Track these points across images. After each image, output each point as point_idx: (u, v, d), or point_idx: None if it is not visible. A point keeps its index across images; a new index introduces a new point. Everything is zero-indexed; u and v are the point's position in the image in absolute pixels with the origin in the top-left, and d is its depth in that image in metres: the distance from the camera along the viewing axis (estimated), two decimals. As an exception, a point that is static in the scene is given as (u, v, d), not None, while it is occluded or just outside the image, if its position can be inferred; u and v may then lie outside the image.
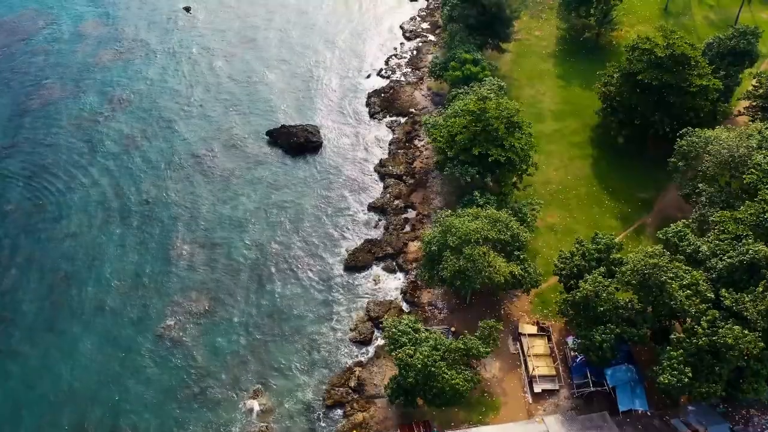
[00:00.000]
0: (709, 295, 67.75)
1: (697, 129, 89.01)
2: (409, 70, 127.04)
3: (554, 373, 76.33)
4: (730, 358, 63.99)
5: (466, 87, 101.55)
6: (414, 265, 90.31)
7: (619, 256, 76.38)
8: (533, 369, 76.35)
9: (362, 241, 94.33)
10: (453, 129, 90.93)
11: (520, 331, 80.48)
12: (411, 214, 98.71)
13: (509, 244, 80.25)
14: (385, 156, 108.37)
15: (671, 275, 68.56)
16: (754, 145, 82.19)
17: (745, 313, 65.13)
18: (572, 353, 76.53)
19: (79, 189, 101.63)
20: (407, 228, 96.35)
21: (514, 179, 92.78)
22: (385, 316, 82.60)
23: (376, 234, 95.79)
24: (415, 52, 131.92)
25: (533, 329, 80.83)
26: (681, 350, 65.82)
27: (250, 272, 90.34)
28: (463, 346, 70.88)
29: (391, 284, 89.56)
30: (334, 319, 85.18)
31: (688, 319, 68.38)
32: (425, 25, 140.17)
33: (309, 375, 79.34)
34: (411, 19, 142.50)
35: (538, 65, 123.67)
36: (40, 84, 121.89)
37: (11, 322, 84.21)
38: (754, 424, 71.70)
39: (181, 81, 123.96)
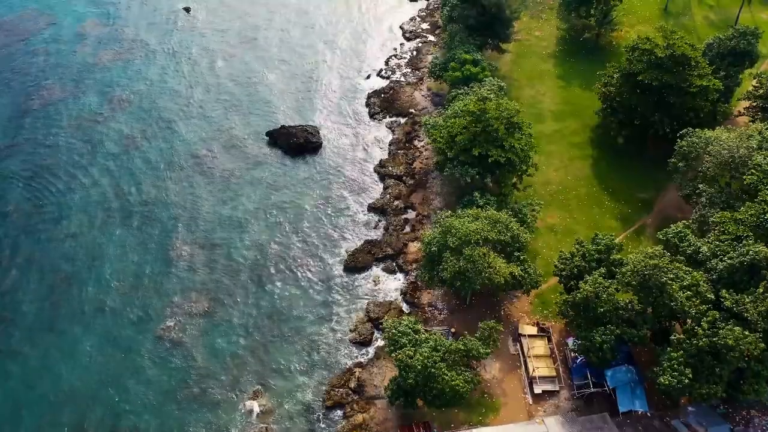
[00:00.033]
0: (709, 296, 67.73)
1: (697, 129, 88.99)
2: (409, 70, 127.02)
3: (554, 374, 76.27)
4: (730, 359, 63.92)
5: (466, 87, 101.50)
6: (414, 265, 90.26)
7: (619, 256, 76.34)
8: (533, 370, 76.30)
9: (362, 241, 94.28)
10: (453, 130, 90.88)
11: (520, 332, 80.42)
12: (411, 214, 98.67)
13: (509, 244, 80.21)
14: (385, 156, 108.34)
15: (671, 276, 68.51)
16: (755, 146, 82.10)
17: (746, 314, 65.07)
18: (572, 354, 76.46)
19: (79, 189, 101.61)
20: (407, 229, 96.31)
21: (514, 180, 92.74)
22: (385, 317, 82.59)
23: (375, 235, 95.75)
24: (414, 53, 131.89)
25: (533, 330, 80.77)
26: (681, 351, 65.77)
27: (250, 273, 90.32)
28: (463, 347, 70.79)
29: (390, 285, 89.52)
30: (333, 319, 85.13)
31: (689, 320, 68.42)
32: (425, 26, 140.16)
33: (309, 376, 79.30)
34: (411, 19, 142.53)
35: (538, 66, 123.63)
36: (40, 84, 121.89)
37: (11, 322, 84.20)
38: (755, 425, 71.60)
39: (181, 81, 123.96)
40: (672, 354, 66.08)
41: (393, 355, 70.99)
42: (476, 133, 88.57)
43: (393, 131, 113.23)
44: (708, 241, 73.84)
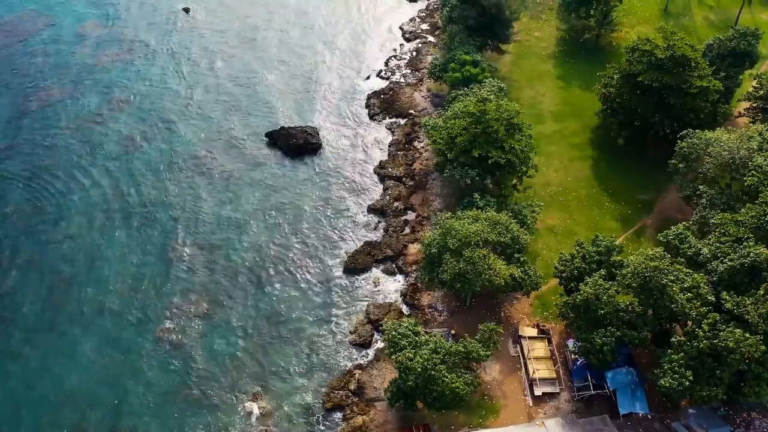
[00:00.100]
0: (710, 298, 67.65)
1: (697, 131, 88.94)
2: (409, 71, 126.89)
3: (554, 376, 76.15)
4: (731, 362, 63.82)
5: (465, 88, 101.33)
6: (414, 267, 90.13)
7: (619, 258, 76.19)
8: (533, 372, 76.17)
9: (362, 243, 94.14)
10: (453, 131, 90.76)
11: (520, 333, 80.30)
12: (411, 216, 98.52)
13: (509, 246, 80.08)
14: (385, 158, 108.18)
15: (672, 278, 68.39)
16: (755, 147, 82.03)
17: (747, 316, 64.96)
18: (573, 356, 76.35)
19: (78, 190, 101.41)
20: (407, 230, 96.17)
21: (514, 181, 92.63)
22: (385, 319, 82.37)
23: (375, 236, 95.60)
24: (414, 54, 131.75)
25: (533, 332, 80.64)
26: (682, 353, 65.66)
27: (250, 274, 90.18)
28: (463, 350, 70.61)
29: (390, 286, 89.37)
30: (333, 321, 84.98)
31: (689, 322, 68.40)
32: (425, 26, 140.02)
33: (308, 378, 79.16)
34: (410, 20, 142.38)
35: (538, 66, 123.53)
36: (39, 85, 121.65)
37: (11, 322, 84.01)
38: (756, 428, 71.52)
39: (181, 82, 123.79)
40: (672, 356, 65.96)
41: (393, 357, 70.81)
42: (476, 135, 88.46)
43: (393, 132, 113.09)
44: (708, 243, 73.74)
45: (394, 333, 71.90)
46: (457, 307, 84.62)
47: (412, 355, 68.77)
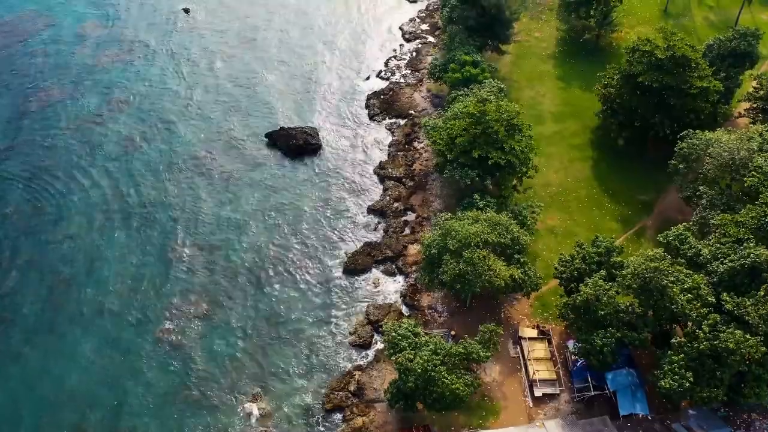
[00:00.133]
0: (710, 299, 67.61)
1: (697, 131, 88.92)
2: (409, 71, 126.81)
3: (555, 377, 76.10)
4: (731, 363, 63.78)
5: (465, 89, 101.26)
6: (414, 268, 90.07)
7: (619, 259, 76.14)
8: (534, 373, 76.10)
9: (361, 243, 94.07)
10: (453, 131, 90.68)
11: (520, 334, 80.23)
12: (410, 216, 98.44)
13: (509, 247, 80.00)
14: (385, 158, 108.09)
15: (672, 279, 68.36)
16: (755, 148, 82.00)
17: (747, 318, 64.93)
18: (573, 357, 76.31)
19: (78, 191, 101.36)
20: (407, 231, 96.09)
21: (514, 182, 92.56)
22: (385, 320, 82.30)
23: (375, 237, 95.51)
24: (414, 54, 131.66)
25: (533, 333, 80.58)
26: (682, 354, 65.67)
27: (249, 275, 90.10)
28: (463, 351, 70.52)
29: (390, 287, 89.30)
30: (333, 322, 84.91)
31: (689, 323, 68.40)
32: (425, 27, 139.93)
33: (308, 379, 79.09)
34: (410, 20, 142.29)
35: (538, 67, 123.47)
36: (39, 85, 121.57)
37: (11, 323, 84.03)
38: (756, 429, 71.51)
39: (181, 82, 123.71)
40: (673, 357, 65.95)
41: (393, 358, 70.72)
42: (476, 135, 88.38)
43: (392, 133, 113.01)
44: (709, 244, 73.72)
45: (393, 334, 71.84)
46: (457, 308, 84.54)
47: (412, 357, 68.70)
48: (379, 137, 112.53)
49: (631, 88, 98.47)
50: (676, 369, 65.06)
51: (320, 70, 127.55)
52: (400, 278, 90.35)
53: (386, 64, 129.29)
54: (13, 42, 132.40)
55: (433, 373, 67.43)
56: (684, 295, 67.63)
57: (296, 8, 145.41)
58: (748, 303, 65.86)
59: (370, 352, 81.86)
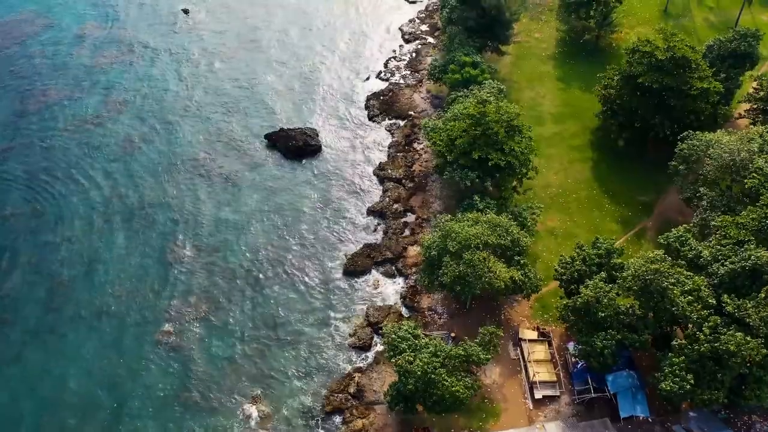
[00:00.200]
0: (710, 301, 67.42)
1: (697, 132, 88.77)
2: (408, 72, 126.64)
3: (555, 379, 75.89)
4: (732, 365, 63.58)
5: (465, 90, 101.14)
6: (413, 269, 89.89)
7: (619, 261, 75.98)
8: (534, 375, 75.92)
9: (361, 245, 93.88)
10: (452, 133, 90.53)
11: (520, 336, 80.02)
12: (410, 218, 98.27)
13: (509, 248, 79.82)
14: (384, 159, 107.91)
15: (673, 281, 68.17)
16: (756, 149, 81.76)
17: (748, 320, 64.75)
18: (573, 359, 76.12)
19: (77, 192, 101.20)
20: (407, 232, 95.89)
21: (514, 183, 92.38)
22: (385, 322, 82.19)
23: (375, 238, 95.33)
24: (414, 55, 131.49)
25: (534, 334, 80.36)
26: (683, 357, 65.47)
27: (248, 277, 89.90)
28: (463, 353, 70.36)
29: (390, 289, 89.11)
30: (332, 324, 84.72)
31: (690, 326, 68.10)
32: (424, 28, 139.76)
33: (308, 381, 78.91)
34: (410, 21, 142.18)
35: (538, 68, 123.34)
36: (37, 86, 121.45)
37: (11, 324, 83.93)
38: (756, 431, 71.31)
39: (180, 83, 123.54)
40: (673, 359, 65.77)
41: (393, 360, 70.55)
42: (476, 137, 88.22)
43: (392, 134, 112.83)
44: (709, 245, 73.52)
45: (393, 336, 71.69)
46: (457, 310, 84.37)
47: (411, 359, 68.56)
48: (378, 138, 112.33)
49: (631, 89, 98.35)
50: (677, 371, 64.90)
51: (320, 70, 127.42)
52: (399, 280, 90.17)
53: (386, 65, 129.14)
54: (12, 42, 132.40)
55: (433, 376, 67.31)
56: (684, 297, 67.45)
57: (296, 9, 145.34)
58: (749, 305, 65.67)
59: (370, 354, 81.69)
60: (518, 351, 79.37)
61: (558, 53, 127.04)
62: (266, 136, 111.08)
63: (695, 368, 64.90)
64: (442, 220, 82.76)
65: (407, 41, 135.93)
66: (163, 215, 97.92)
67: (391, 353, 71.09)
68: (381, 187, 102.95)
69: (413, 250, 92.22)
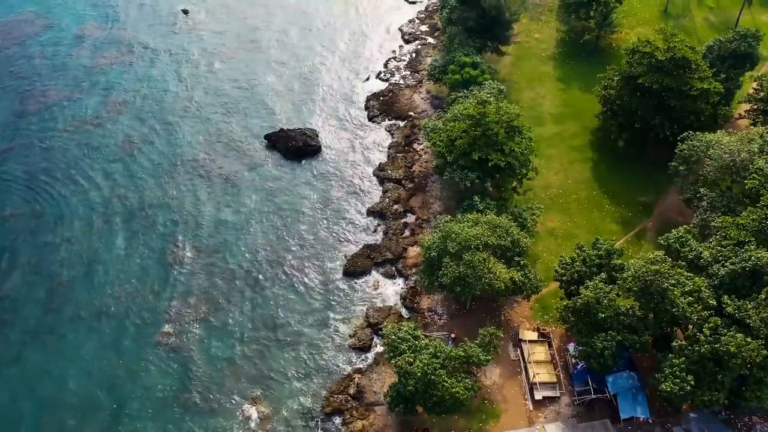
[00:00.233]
0: (711, 302, 67.30)
1: (697, 133, 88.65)
2: (408, 73, 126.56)
3: (555, 380, 75.79)
4: (732, 366, 63.50)
5: (465, 90, 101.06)
6: (413, 270, 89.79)
7: (620, 262, 75.91)
8: (534, 376, 75.81)
9: (361, 246, 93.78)
10: (452, 133, 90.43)
11: (520, 337, 79.89)
12: (410, 218, 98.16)
13: (509, 249, 79.73)
14: (384, 160, 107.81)
15: (673, 282, 68.07)
16: (756, 150, 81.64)
17: (748, 321, 64.61)
18: (573, 360, 75.97)
19: (77, 193, 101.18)
20: (406, 233, 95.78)
21: (514, 184, 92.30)
22: (385, 323, 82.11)
23: (375, 239, 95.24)
24: (414, 55, 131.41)
25: (534, 335, 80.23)
26: (683, 358, 65.35)
27: (248, 278, 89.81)
28: (463, 354, 70.29)
29: (390, 290, 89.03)
30: (332, 325, 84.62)
31: (690, 327, 67.98)
32: (424, 28, 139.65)
33: (307, 382, 78.81)
34: (410, 21, 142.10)
35: (538, 68, 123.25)
36: (37, 87, 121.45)
37: (11, 325, 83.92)
38: (757, 432, 71.36)
39: (180, 84, 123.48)
40: (674, 360, 65.66)
41: (393, 361, 70.50)
42: (476, 137, 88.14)
43: (392, 134, 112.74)
44: (709, 246, 73.40)
45: (393, 337, 71.61)
46: (457, 311, 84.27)
47: (411, 360, 68.49)
48: (378, 139, 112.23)
49: (631, 89, 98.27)
50: (677, 372, 64.79)
51: (319, 71, 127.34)
52: (399, 281, 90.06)
53: (386, 65, 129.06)
54: (12, 43, 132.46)
55: (433, 377, 67.26)
56: (685, 298, 67.33)
57: (296, 9, 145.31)
58: (750, 306, 65.56)
59: (370, 355, 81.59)
60: (518, 352, 79.25)
61: (558, 53, 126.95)
62: (266, 137, 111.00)
63: (696, 369, 64.81)
64: (442, 221, 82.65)
65: (407, 42, 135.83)
66: (162, 216, 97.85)
67: (391, 354, 71.02)
68: (381, 188, 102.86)
69: (413, 251, 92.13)
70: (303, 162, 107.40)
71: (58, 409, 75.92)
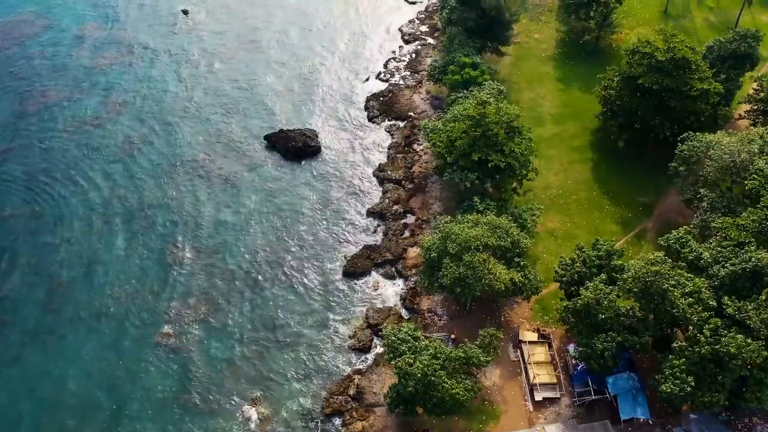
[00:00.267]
0: (711, 303, 67.27)
1: (698, 133, 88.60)
2: (408, 73, 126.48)
3: (555, 381, 75.74)
4: (733, 367, 63.46)
5: (465, 91, 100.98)
6: (413, 271, 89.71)
7: (620, 262, 75.85)
8: (534, 377, 75.74)
9: (361, 246, 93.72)
10: (452, 134, 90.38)
11: (520, 338, 79.83)
12: (410, 219, 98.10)
13: (509, 250, 79.67)
14: (384, 160, 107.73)
15: (673, 283, 68.05)
16: (756, 150, 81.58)
17: (748, 322, 64.56)
18: (573, 361, 75.89)
19: (77, 194, 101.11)
20: (406, 233, 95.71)
21: (514, 184, 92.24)
22: (385, 323, 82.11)
23: (374, 239, 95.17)
24: (413, 55, 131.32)
25: (534, 336, 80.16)
26: (683, 359, 65.32)
27: (248, 279, 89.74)
28: (463, 355, 70.28)
29: (390, 291, 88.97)
30: (332, 326, 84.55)
31: (691, 328, 67.94)
32: (424, 28, 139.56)
33: (307, 383, 78.75)
34: (410, 21, 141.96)
35: (538, 68, 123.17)
36: (37, 87, 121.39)
37: (11, 325, 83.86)
38: (757, 433, 71.29)
39: (180, 84, 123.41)
40: (674, 361, 65.63)
41: (393, 362, 70.51)
42: (476, 138, 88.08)
43: (392, 135, 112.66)
44: (710, 247, 73.37)
45: (393, 338, 71.59)
46: (457, 312, 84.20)
47: (411, 361, 68.47)
48: (378, 139, 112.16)
49: (631, 90, 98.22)
50: (678, 373, 64.76)
51: (319, 71, 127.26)
52: (399, 281, 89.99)
53: (385, 65, 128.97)
54: (12, 43, 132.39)
55: (433, 378, 67.24)
56: (685, 299, 67.29)
57: (295, 9, 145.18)
58: (750, 307, 65.51)
59: (370, 356, 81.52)
60: (518, 353, 79.18)
61: (558, 54, 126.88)
62: (266, 137, 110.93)
63: (696, 370, 64.76)
64: (442, 222, 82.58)
65: (407, 42, 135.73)
66: (162, 216, 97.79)
67: (391, 355, 70.99)
68: (381, 189, 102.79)
69: (413, 252, 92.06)
70: (303, 162, 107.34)
71: (57, 409, 75.89)
